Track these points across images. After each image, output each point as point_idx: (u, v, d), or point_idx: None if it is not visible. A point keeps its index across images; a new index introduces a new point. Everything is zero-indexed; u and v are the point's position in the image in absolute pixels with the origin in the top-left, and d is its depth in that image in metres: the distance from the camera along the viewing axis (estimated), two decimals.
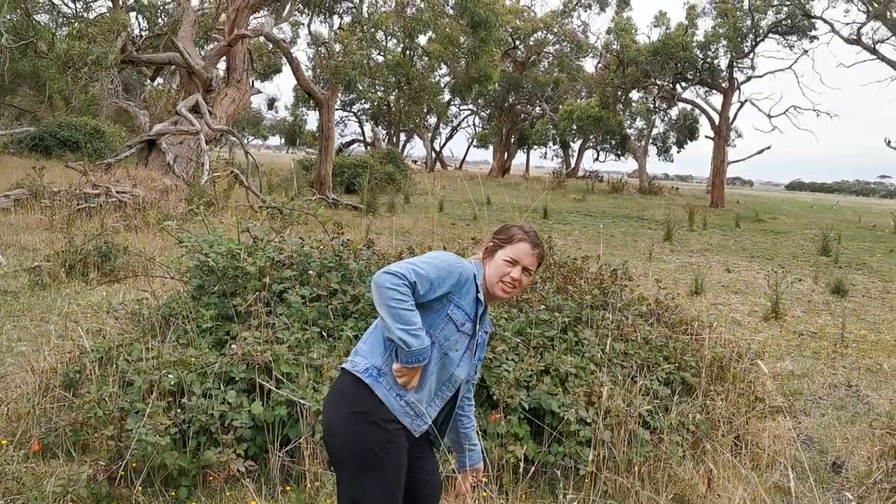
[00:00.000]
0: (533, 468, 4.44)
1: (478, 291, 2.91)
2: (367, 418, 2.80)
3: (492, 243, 3.00)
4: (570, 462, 4.41)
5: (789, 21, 34.63)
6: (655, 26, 41.58)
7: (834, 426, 6.08)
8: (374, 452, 2.78)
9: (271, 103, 60.77)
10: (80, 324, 6.27)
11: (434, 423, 3.03)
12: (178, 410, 4.18)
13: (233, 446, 4.13)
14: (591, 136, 57.03)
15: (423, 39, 35.47)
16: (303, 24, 36.27)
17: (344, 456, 2.83)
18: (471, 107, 59.94)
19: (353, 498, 2.83)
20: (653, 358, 5.38)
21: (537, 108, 56.16)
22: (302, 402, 4.26)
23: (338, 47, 24.84)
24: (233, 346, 4.58)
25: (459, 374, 2.94)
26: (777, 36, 35.76)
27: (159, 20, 25.51)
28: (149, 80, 34.50)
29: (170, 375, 4.32)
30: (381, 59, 31.83)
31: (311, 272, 5.39)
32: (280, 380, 4.41)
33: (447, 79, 46.80)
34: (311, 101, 30.81)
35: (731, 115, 38.15)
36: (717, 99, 39.38)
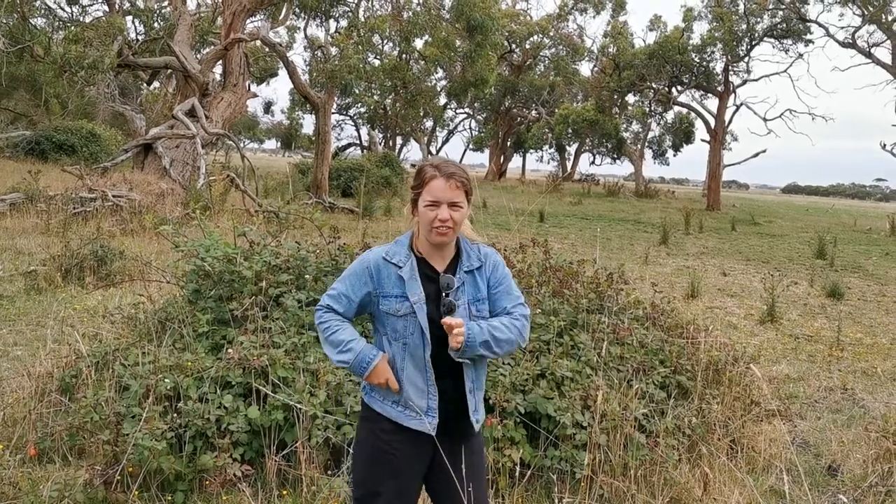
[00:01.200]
0: (529, 472, 4.45)
1: (399, 266, 2.79)
2: (369, 426, 2.89)
3: (412, 195, 2.83)
4: (566, 466, 4.42)
5: (784, 25, 34.75)
6: (651, 30, 41.78)
7: (829, 429, 6.10)
8: (375, 458, 2.84)
9: (268, 107, 60.85)
10: (76, 328, 6.27)
11: (455, 407, 2.86)
12: (175, 415, 4.19)
13: (229, 451, 4.13)
14: (587, 140, 57.11)
15: (419, 43, 35.51)
16: (299, 29, 36.36)
17: (353, 460, 2.96)
18: (467, 110, 59.99)
19: (357, 501, 2.89)
20: (649, 361, 5.39)
21: (533, 112, 56.27)
22: (298, 406, 4.26)
23: (334, 51, 24.83)
24: (229, 350, 4.58)
25: (427, 353, 2.77)
26: (772, 40, 35.90)
27: (156, 24, 25.52)
28: (145, 84, 34.49)
29: (166, 380, 4.33)
30: (377, 62, 31.85)
31: (307, 276, 5.39)
32: (276, 384, 4.41)
33: (443, 82, 46.80)
34: (308, 105, 30.82)
35: (727, 118, 38.31)
36: (712, 102, 39.54)
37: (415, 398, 2.80)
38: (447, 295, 2.78)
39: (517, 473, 4.32)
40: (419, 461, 2.86)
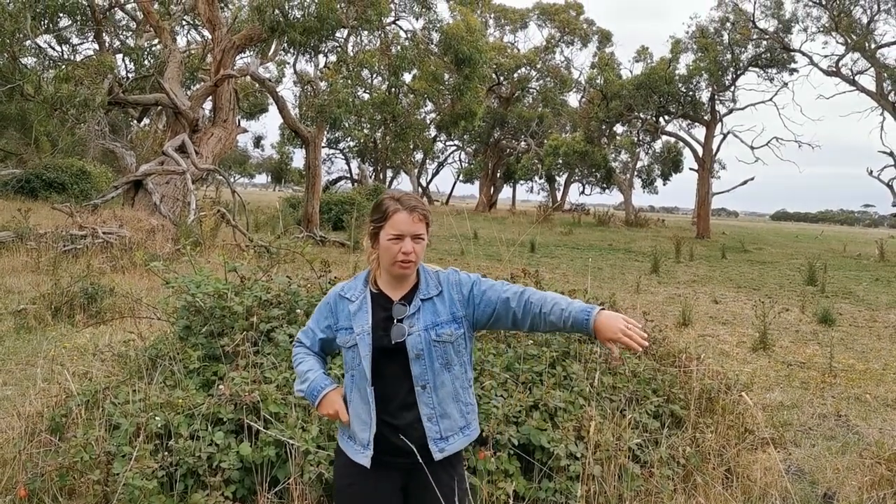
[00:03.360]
0: None
1: (351, 301, 2.83)
2: (336, 462, 2.96)
3: (371, 227, 2.80)
4: (560, 498, 4.39)
5: (769, 54, 35.24)
6: (637, 61, 42.24)
7: (824, 457, 6.08)
8: (340, 496, 2.90)
9: (258, 142, 61.05)
10: (66, 367, 6.22)
11: (417, 440, 2.77)
12: (166, 453, 4.15)
13: (221, 488, 4.09)
14: (576, 170, 57.48)
15: (408, 77, 35.81)
16: (288, 64, 36.58)
17: None
18: (457, 142, 60.37)
19: None
20: (641, 391, 5.38)
21: (522, 143, 56.71)
22: (291, 442, 4.23)
23: (323, 86, 25.03)
24: (220, 386, 4.55)
25: (369, 384, 2.75)
26: (757, 69, 36.39)
27: (146, 62, 25.67)
28: (135, 121, 34.63)
29: (157, 418, 4.29)
30: (366, 96, 32.07)
31: (298, 311, 5.38)
32: (268, 420, 4.38)
33: (433, 115, 47.13)
34: (298, 140, 30.93)
35: (715, 147, 38.71)
36: (700, 131, 40.00)
37: (359, 431, 2.79)
38: (400, 321, 2.76)
39: None
40: (385, 499, 2.81)
